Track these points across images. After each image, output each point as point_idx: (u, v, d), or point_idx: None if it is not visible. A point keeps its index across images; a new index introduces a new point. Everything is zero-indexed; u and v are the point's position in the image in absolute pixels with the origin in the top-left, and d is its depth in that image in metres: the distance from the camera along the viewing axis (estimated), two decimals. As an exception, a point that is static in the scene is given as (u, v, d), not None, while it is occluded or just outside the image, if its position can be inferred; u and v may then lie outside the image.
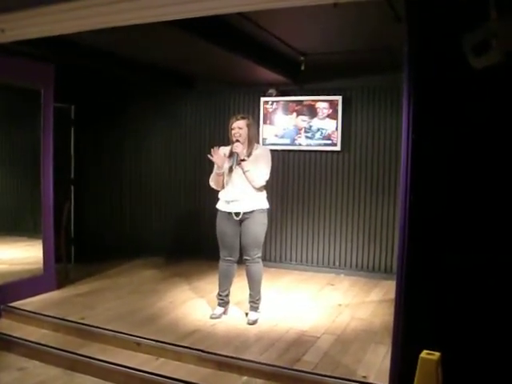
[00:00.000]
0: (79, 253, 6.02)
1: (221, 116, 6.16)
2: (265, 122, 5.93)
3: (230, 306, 4.25)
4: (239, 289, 4.51)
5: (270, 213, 4.19)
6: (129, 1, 2.91)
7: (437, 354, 2.16)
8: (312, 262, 5.93)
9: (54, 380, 3.28)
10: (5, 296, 4.22)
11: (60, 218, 5.06)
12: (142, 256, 6.26)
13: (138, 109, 6.58)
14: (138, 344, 3.54)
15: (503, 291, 2.41)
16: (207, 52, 4.39)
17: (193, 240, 6.36)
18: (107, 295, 4.68)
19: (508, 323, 2.40)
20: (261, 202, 3.97)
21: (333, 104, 5.61)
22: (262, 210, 3.97)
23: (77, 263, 5.86)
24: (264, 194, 4.02)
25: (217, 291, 4.18)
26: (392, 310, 2.77)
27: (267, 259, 5.90)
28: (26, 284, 4.50)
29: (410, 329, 2.59)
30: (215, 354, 3.35)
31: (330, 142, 5.67)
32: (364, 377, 3.04)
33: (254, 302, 4.07)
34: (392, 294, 2.92)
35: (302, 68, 5.00)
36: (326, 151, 5.75)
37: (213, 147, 3.94)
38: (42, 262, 4.63)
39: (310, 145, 5.77)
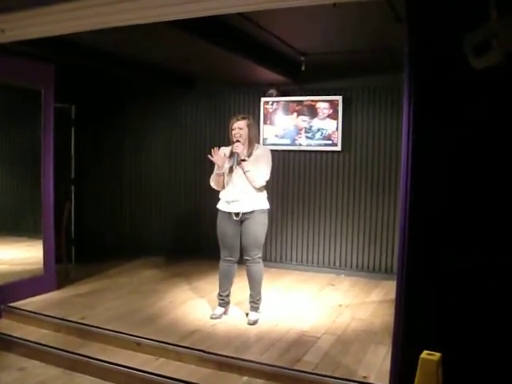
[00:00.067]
0: (79, 253, 6.02)
1: (221, 116, 6.16)
2: (265, 123, 5.93)
3: (231, 306, 4.25)
4: (240, 289, 4.51)
5: (271, 213, 4.19)
6: (129, 1, 2.90)
7: (437, 355, 2.16)
8: (312, 263, 5.93)
9: (54, 380, 3.28)
10: (5, 296, 4.22)
11: (60, 218, 5.06)
12: (142, 256, 6.26)
13: (138, 109, 6.58)
14: (139, 344, 3.54)
15: (503, 291, 2.41)
16: (207, 52, 4.39)
17: (193, 240, 6.36)
18: (107, 295, 4.68)
19: (508, 323, 2.40)
20: (261, 202, 3.97)
21: (333, 104, 5.61)
22: (262, 211, 3.97)
23: (77, 263, 5.86)
24: (264, 194, 4.02)
25: (217, 291, 4.18)
26: (392, 310, 2.77)
27: (268, 259, 5.89)
28: (27, 284, 4.50)
29: (411, 329, 2.59)
30: (216, 354, 3.35)
31: (330, 142, 5.67)
32: (364, 377, 3.04)
33: (255, 303, 4.07)
34: (392, 295, 2.93)
35: (303, 68, 5.00)
36: (327, 151, 5.75)
37: (213, 148, 3.94)
38: (42, 262, 4.63)
39: (311, 145, 5.77)
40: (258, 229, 3.95)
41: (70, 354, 3.48)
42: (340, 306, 4.54)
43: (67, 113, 5.90)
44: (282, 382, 3.13)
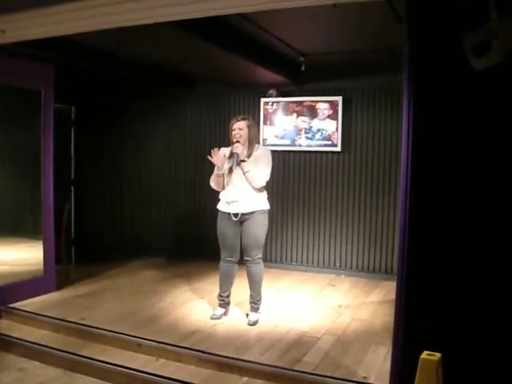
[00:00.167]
0: (79, 253, 6.02)
1: (221, 117, 6.16)
2: (265, 123, 5.93)
3: (231, 307, 4.25)
4: (240, 289, 4.51)
5: (271, 213, 4.19)
6: (135, 1, 2.90)
7: (437, 355, 2.15)
8: (312, 263, 5.92)
9: (54, 381, 3.28)
10: (5, 297, 4.22)
11: (60, 219, 5.06)
12: (143, 256, 6.26)
13: (139, 109, 6.58)
14: (139, 345, 3.54)
15: (503, 292, 2.41)
16: (207, 52, 4.39)
17: (193, 240, 6.36)
18: (107, 296, 4.67)
19: (508, 324, 2.40)
20: (261, 202, 3.97)
21: (333, 105, 5.61)
22: (262, 211, 3.96)
23: (77, 264, 5.86)
24: (264, 194, 4.02)
25: (217, 292, 4.18)
26: (392, 310, 2.77)
27: (268, 260, 5.89)
28: (27, 285, 4.50)
29: (411, 329, 2.59)
30: (216, 354, 3.35)
31: (330, 142, 5.67)
32: (364, 377, 3.04)
33: (255, 303, 4.07)
34: (392, 295, 2.92)
35: (303, 68, 5.00)
36: (327, 152, 5.75)
37: (213, 148, 3.94)
38: (42, 262, 4.63)
39: (311, 145, 5.77)
40: (258, 229, 3.95)
41: (70, 355, 3.48)
42: (340, 306, 4.53)
43: (67, 113, 5.90)
44: (282, 383, 3.13)
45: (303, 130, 5.78)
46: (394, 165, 5.44)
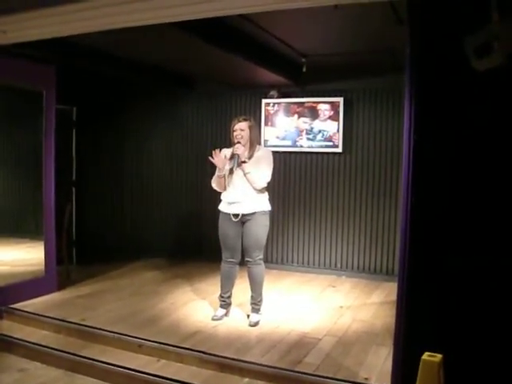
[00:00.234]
0: (80, 254, 6.03)
1: (222, 117, 6.17)
2: (266, 124, 5.93)
3: (232, 308, 4.25)
4: (241, 290, 4.51)
5: (272, 214, 4.19)
6: (131, 2, 2.90)
7: (439, 356, 2.15)
8: (314, 264, 5.92)
9: (55, 381, 3.28)
10: (6, 297, 4.22)
11: (61, 220, 5.07)
12: (143, 257, 6.26)
13: (139, 110, 6.58)
14: (140, 346, 3.54)
15: (505, 294, 2.41)
16: (208, 53, 4.39)
17: (194, 241, 6.36)
18: (108, 297, 4.68)
19: (510, 325, 2.40)
20: (262, 203, 3.97)
21: (334, 106, 5.61)
22: (263, 212, 3.97)
23: (78, 264, 5.86)
24: (266, 195, 4.02)
25: (218, 293, 4.18)
26: (393, 311, 2.77)
27: (269, 261, 5.89)
28: (28, 285, 4.50)
29: (412, 331, 2.59)
30: (217, 355, 3.35)
31: (331, 143, 5.67)
32: (366, 379, 3.04)
33: (256, 304, 4.07)
34: (393, 296, 2.92)
35: (304, 70, 4.99)
36: (328, 153, 5.75)
37: (214, 149, 3.95)
38: (43, 263, 4.63)
39: (312, 146, 5.77)
40: (260, 230, 3.95)
41: (71, 356, 3.48)
42: (341, 307, 4.53)
43: (68, 114, 5.91)
44: (283, 384, 3.13)
45: (304, 131, 5.78)
46: (395, 166, 5.44)
